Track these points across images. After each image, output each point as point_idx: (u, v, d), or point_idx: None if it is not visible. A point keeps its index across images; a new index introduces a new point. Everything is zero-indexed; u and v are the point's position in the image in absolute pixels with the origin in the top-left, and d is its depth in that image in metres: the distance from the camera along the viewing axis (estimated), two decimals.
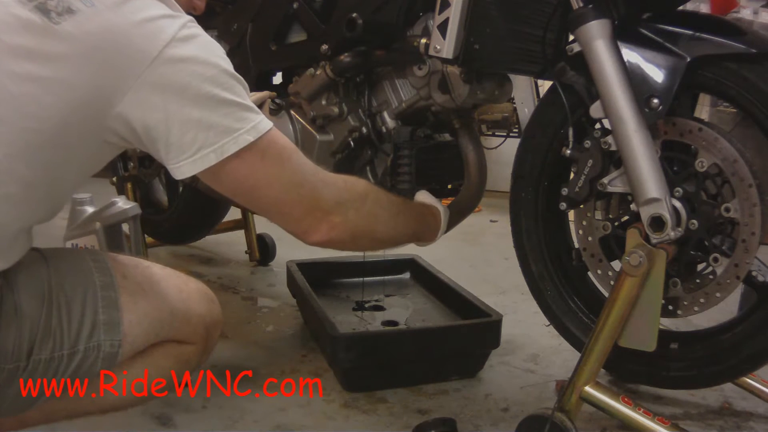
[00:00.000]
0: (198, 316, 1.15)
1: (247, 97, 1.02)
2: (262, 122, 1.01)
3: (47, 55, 0.90)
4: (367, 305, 2.01)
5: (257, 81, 1.83)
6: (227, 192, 1.06)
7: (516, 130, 3.21)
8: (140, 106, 0.94)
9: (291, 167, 1.07)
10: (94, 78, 0.92)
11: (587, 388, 1.29)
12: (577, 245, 1.49)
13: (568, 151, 1.40)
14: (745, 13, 2.98)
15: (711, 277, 1.33)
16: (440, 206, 1.49)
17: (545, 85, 1.61)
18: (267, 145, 1.01)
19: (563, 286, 1.54)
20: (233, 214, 2.59)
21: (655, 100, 1.26)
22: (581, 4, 1.29)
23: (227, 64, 1.01)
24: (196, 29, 0.99)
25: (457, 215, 1.68)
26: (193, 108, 0.95)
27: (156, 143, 0.97)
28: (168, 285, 1.13)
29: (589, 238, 1.44)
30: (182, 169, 0.98)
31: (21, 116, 0.90)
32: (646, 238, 1.28)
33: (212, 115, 0.96)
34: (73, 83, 0.91)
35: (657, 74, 1.27)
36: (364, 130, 1.62)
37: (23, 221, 0.97)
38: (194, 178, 1.02)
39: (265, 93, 1.73)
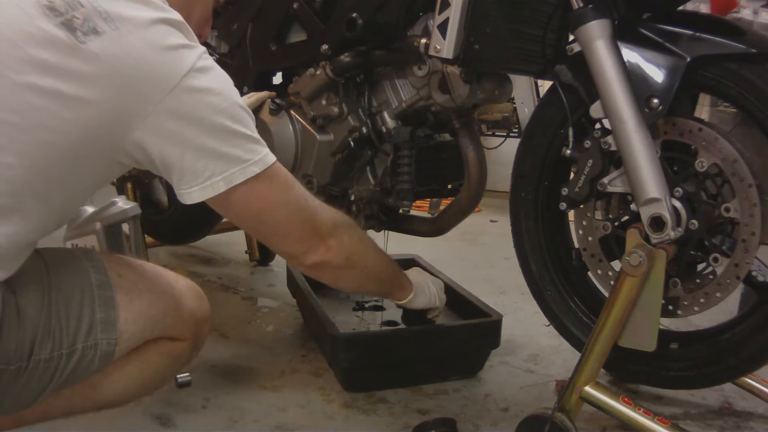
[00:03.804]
0: (189, 312, 1.18)
1: (254, 129, 1.06)
2: (268, 155, 1.06)
3: (71, 72, 0.91)
4: (367, 305, 2.01)
5: (257, 81, 1.83)
6: (235, 218, 1.11)
7: (516, 130, 3.22)
8: (158, 133, 0.97)
9: (295, 193, 1.13)
10: (115, 100, 0.93)
11: (587, 388, 1.29)
12: (577, 245, 1.49)
13: (568, 151, 1.40)
14: (745, 13, 2.98)
15: (711, 277, 1.33)
16: (416, 281, 1.55)
17: (545, 85, 1.61)
18: (273, 173, 1.07)
19: (563, 286, 1.54)
20: None
21: (655, 100, 1.26)
22: (581, 4, 1.29)
23: (238, 97, 1.05)
24: (211, 61, 1.03)
25: (457, 215, 1.68)
26: (207, 137, 0.99)
27: (170, 169, 1.01)
28: (160, 283, 1.16)
29: (589, 238, 1.45)
30: (192, 195, 1.02)
31: (40, 128, 0.91)
32: (646, 238, 1.28)
33: (224, 145, 1.00)
34: (95, 103, 0.93)
35: (657, 74, 1.27)
36: (364, 130, 1.62)
37: (33, 235, 0.98)
38: None
39: (265, 93, 1.74)
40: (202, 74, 0.99)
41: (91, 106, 0.92)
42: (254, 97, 1.72)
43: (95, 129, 0.94)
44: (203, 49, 1.03)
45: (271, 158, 1.07)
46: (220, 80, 1.03)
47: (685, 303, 1.35)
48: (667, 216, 1.25)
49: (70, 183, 0.99)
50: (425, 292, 1.56)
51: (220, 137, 1.00)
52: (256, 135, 1.06)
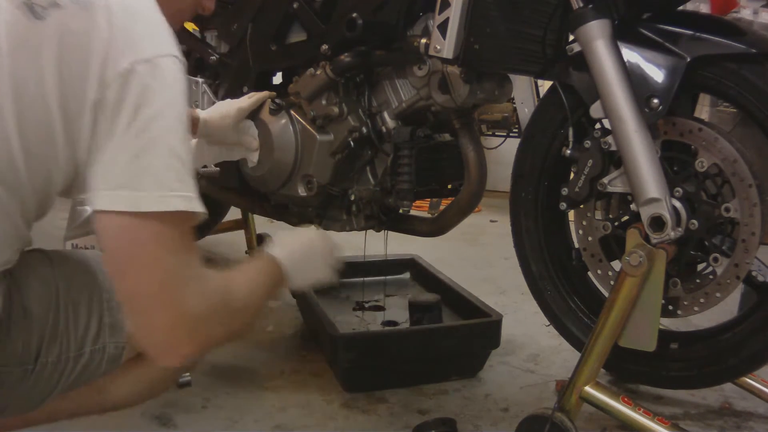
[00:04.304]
0: None
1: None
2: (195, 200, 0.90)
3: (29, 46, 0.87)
4: (367, 305, 2.01)
5: (257, 81, 1.83)
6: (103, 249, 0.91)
7: (516, 130, 3.23)
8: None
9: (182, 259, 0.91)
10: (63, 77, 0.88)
11: (587, 388, 1.29)
12: (577, 245, 1.49)
13: (568, 151, 1.40)
14: (745, 13, 2.98)
15: (711, 277, 1.33)
16: (285, 255, 1.19)
17: (545, 85, 1.61)
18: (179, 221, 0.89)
19: (563, 286, 1.54)
20: (233, 214, 2.59)
21: (655, 100, 1.26)
22: (581, 4, 1.29)
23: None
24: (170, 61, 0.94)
25: (457, 215, 1.68)
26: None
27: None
28: None
29: (589, 238, 1.45)
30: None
31: (17, 96, 0.86)
32: (646, 238, 1.28)
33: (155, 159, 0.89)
34: (54, 75, 0.88)
35: (657, 74, 1.27)
36: (364, 130, 1.62)
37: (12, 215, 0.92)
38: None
39: (265, 93, 1.73)
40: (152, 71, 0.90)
41: (54, 76, 0.87)
42: (254, 97, 1.72)
43: (60, 102, 0.88)
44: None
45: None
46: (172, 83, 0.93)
47: (685, 303, 1.35)
48: (667, 216, 1.25)
49: (46, 160, 0.91)
50: (303, 272, 1.21)
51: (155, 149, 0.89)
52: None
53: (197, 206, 0.90)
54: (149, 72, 0.89)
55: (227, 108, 1.66)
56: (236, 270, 1.06)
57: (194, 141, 1.62)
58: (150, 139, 0.88)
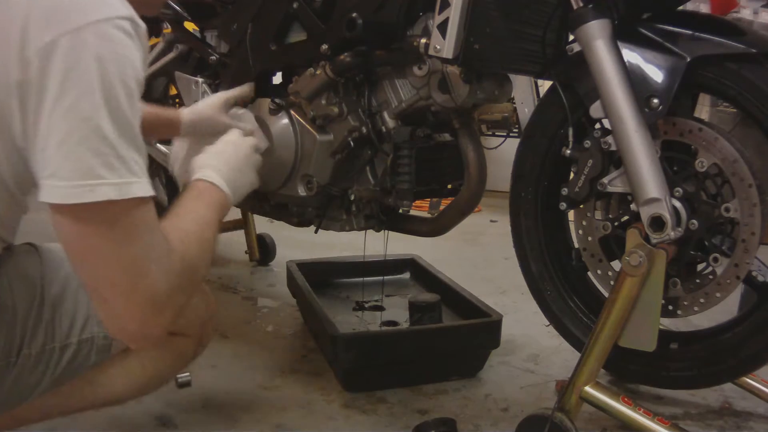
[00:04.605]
0: (192, 307, 1.13)
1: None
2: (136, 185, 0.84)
3: None
4: (367, 305, 2.01)
5: (257, 81, 1.83)
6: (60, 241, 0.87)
7: (516, 130, 3.23)
8: None
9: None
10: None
11: (587, 388, 1.29)
12: (577, 245, 1.49)
13: (568, 151, 1.40)
14: (745, 13, 2.98)
15: (711, 277, 1.33)
16: (221, 177, 1.15)
17: (545, 85, 1.61)
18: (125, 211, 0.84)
19: (563, 286, 1.54)
20: (233, 214, 2.59)
21: (655, 100, 1.26)
22: (581, 4, 1.29)
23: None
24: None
25: (457, 215, 1.68)
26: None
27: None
28: None
29: (589, 238, 1.44)
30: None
31: None
32: (646, 238, 1.28)
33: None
34: None
35: (657, 74, 1.27)
36: (364, 130, 1.62)
37: None
38: None
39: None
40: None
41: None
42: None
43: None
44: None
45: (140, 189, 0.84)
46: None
47: (685, 303, 1.35)
48: (667, 216, 1.25)
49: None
50: (239, 187, 1.21)
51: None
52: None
53: (136, 191, 0.83)
54: (76, 44, 0.80)
55: (212, 98, 1.63)
56: (186, 215, 1.01)
57: (178, 142, 1.60)
58: (75, 121, 0.80)
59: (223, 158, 1.19)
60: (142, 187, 0.84)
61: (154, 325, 0.89)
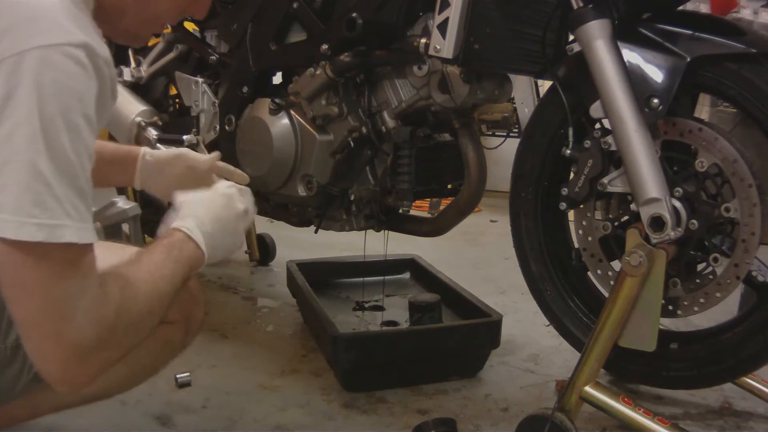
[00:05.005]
0: None
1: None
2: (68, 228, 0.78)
3: None
4: (367, 305, 2.01)
5: (257, 81, 1.83)
6: None
7: (516, 130, 3.23)
8: None
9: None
10: None
11: (587, 388, 1.29)
12: (577, 245, 1.49)
13: (568, 151, 1.40)
14: (745, 13, 2.98)
15: (711, 277, 1.33)
16: (200, 230, 1.04)
17: (545, 85, 1.61)
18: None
19: (563, 286, 1.54)
20: None
21: (655, 100, 1.26)
22: (581, 4, 1.29)
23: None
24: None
25: (457, 215, 1.68)
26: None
27: None
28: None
29: (589, 238, 1.44)
30: None
31: None
32: (646, 238, 1.28)
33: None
34: None
35: (657, 74, 1.27)
36: (364, 130, 1.62)
37: None
38: None
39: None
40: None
41: None
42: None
43: None
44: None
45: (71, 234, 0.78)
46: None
47: (685, 303, 1.35)
48: (667, 216, 1.25)
49: None
50: (219, 246, 1.07)
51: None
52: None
53: (68, 236, 0.77)
54: (17, 69, 0.75)
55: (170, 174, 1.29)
56: (144, 265, 0.94)
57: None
58: (9, 153, 0.75)
59: (212, 213, 1.07)
60: (75, 232, 0.78)
61: (78, 372, 0.84)
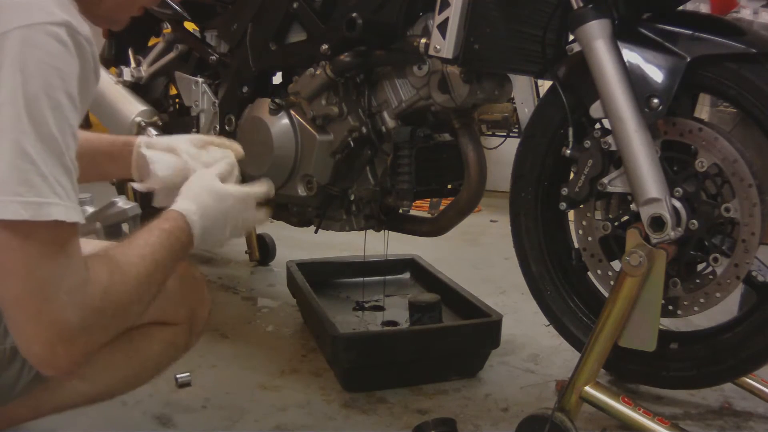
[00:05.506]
0: (177, 294, 1.10)
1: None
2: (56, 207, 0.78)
3: None
4: (367, 305, 2.01)
5: (257, 81, 1.83)
6: None
7: (516, 130, 3.23)
8: None
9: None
10: None
11: (587, 388, 1.29)
12: (577, 245, 1.49)
13: (568, 151, 1.40)
14: (745, 13, 2.98)
15: (711, 277, 1.33)
16: (196, 214, 1.03)
17: (545, 85, 1.61)
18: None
19: (563, 286, 1.54)
20: None
21: (655, 100, 1.26)
22: (581, 4, 1.29)
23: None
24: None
25: (457, 215, 1.68)
26: None
27: None
28: None
29: (589, 238, 1.44)
30: None
31: None
32: (646, 238, 1.28)
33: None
34: None
35: (657, 74, 1.27)
36: (364, 130, 1.62)
37: None
38: None
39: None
40: None
41: None
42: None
43: None
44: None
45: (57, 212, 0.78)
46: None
47: (685, 303, 1.35)
48: (667, 216, 1.25)
49: None
50: (213, 234, 1.07)
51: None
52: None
53: (55, 213, 0.78)
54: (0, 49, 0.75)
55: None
56: (136, 248, 0.92)
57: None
58: None
59: (211, 200, 1.05)
60: (63, 210, 0.78)
61: (63, 354, 0.82)
